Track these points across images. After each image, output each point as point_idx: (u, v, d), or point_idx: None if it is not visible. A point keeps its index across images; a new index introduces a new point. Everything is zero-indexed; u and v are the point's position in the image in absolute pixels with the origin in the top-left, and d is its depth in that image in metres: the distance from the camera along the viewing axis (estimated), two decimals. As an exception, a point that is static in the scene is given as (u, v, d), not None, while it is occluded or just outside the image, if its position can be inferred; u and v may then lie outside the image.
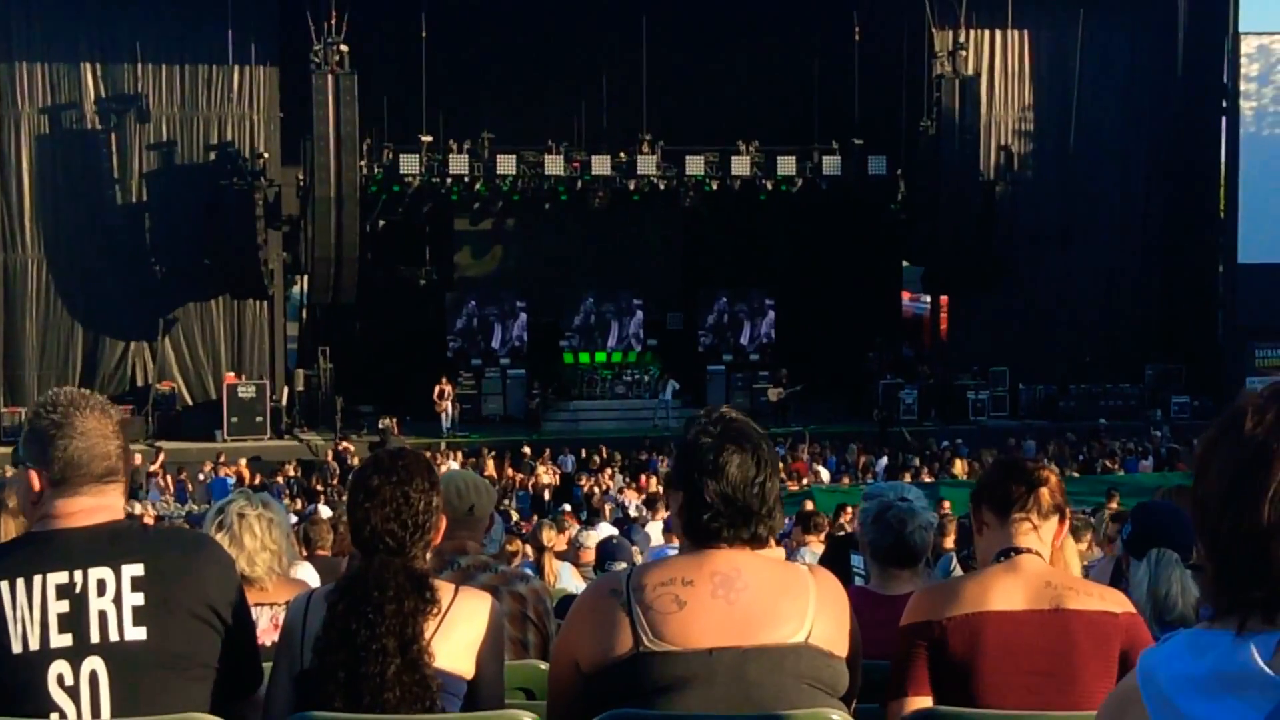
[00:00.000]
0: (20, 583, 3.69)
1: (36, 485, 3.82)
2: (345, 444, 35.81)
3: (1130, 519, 5.36)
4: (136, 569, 3.76)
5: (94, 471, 3.79)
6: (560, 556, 12.61)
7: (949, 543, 15.27)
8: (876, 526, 5.53)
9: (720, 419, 3.94)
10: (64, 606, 3.70)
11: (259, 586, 5.48)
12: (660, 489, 31.86)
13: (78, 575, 3.72)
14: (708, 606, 3.79)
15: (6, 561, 3.76)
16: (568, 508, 30.48)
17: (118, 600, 3.73)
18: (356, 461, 34.63)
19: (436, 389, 37.92)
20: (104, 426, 3.83)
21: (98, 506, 3.81)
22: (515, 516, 29.69)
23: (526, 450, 35.35)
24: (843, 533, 12.07)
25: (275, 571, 5.60)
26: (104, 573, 3.74)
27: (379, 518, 4.14)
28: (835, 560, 6.66)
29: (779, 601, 3.83)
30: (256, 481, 33.56)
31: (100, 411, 3.85)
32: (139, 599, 3.74)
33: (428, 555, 4.26)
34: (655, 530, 20.72)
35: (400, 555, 4.13)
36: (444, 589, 4.15)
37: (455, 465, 34.18)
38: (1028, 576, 4.31)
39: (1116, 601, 4.35)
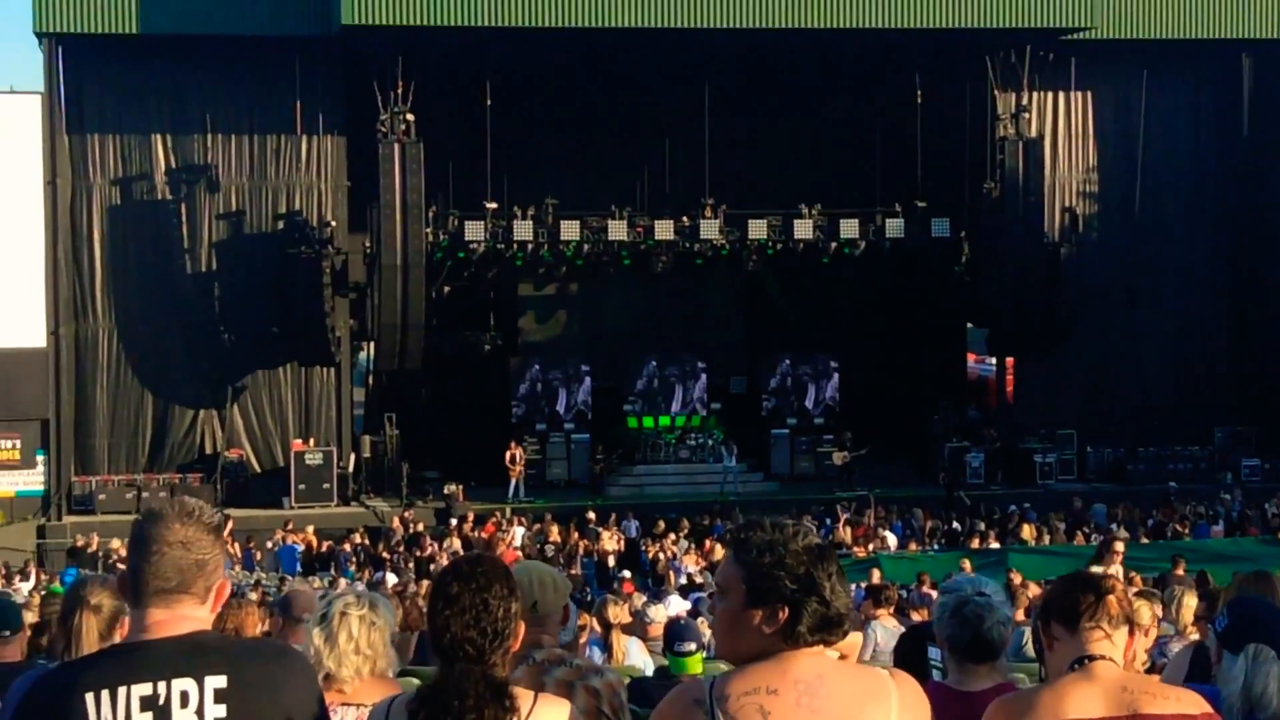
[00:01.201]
0: (105, 694, 3.74)
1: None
2: (409, 511, 35.93)
3: (1227, 612, 5.31)
4: (220, 681, 3.79)
5: (183, 584, 3.84)
6: (626, 630, 12.57)
7: (1020, 615, 15.17)
8: (954, 621, 5.51)
9: (794, 532, 3.97)
10: (148, 718, 3.74)
11: (337, 688, 5.46)
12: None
13: (161, 687, 3.76)
14: (793, 715, 3.81)
15: (93, 673, 3.81)
16: (628, 574, 30.48)
17: (200, 712, 3.77)
18: (421, 528, 34.82)
19: (508, 454, 38.03)
20: (197, 536, 3.87)
21: (185, 617, 3.85)
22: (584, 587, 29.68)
23: (592, 516, 35.36)
24: (919, 622, 11.98)
25: (363, 674, 5.56)
26: (187, 684, 3.77)
27: (459, 625, 4.16)
28: (912, 652, 6.61)
29: (863, 707, 3.84)
30: (324, 548, 33.76)
31: (195, 522, 3.89)
32: (221, 711, 3.78)
33: (507, 662, 4.28)
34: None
35: (480, 663, 4.15)
36: (523, 696, 4.17)
37: (520, 530, 34.28)
38: (1103, 683, 4.29)
39: (1194, 703, 4.33)
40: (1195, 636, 9.71)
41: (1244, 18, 38.72)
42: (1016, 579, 19.36)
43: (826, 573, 3.90)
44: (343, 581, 28.26)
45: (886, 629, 13.78)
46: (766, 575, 3.90)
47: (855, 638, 11.61)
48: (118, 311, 37.25)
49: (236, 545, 32.86)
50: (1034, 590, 18.70)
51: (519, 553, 32.02)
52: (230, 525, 33.58)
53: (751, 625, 3.91)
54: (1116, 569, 17.79)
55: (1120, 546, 18.37)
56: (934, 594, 20.54)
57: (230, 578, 27.82)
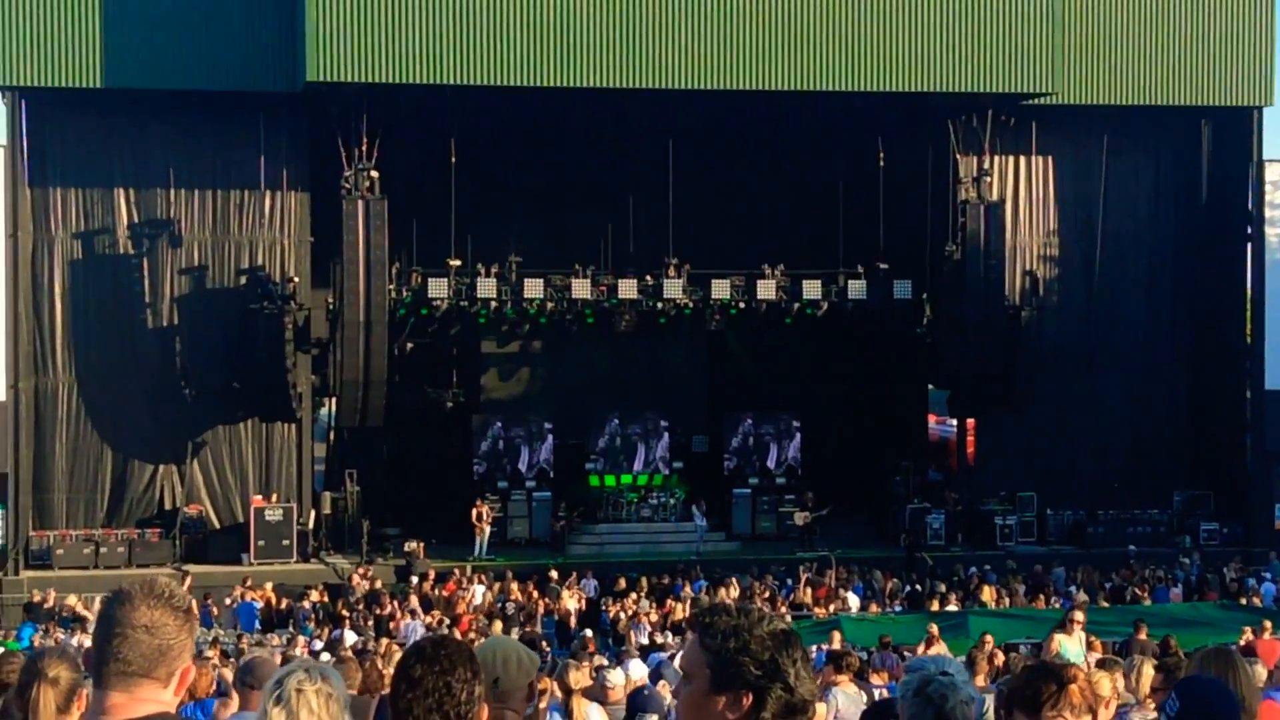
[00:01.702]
0: None
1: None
2: (369, 568, 35.76)
3: (1178, 695, 5.32)
4: None
5: (145, 668, 3.82)
6: (586, 694, 12.53)
7: (980, 680, 15.18)
8: (917, 700, 5.49)
9: (759, 617, 3.97)
10: None
11: None
12: (686, 616, 31.73)
13: None
14: None
15: None
16: (589, 633, 30.37)
17: None
18: (381, 585, 34.63)
19: (475, 511, 37.94)
20: (163, 620, 3.84)
21: (145, 700, 3.83)
22: (544, 645, 29.55)
23: (554, 574, 35.26)
24: (881, 699, 11.99)
25: None
26: None
27: (421, 709, 4.16)
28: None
29: None
30: (283, 606, 33.54)
31: (163, 605, 3.87)
32: None
33: (470, 744, 4.26)
34: (683, 661, 20.50)
35: (443, 745, 4.14)
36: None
37: (481, 589, 34.15)
38: None
39: None
40: (1153, 707, 9.73)
41: (1204, 85, 39.13)
42: (988, 643, 19.34)
43: (791, 659, 3.90)
44: (300, 640, 28.10)
45: (848, 695, 13.78)
46: (731, 661, 3.89)
47: (820, 712, 11.60)
48: (78, 365, 37.06)
49: (194, 602, 32.60)
50: (999, 658, 18.74)
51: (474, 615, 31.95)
52: (189, 582, 33.42)
53: (715, 711, 3.90)
54: (1078, 636, 17.84)
55: (1080, 616, 18.40)
56: (895, 656, 20.54)
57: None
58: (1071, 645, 17.43)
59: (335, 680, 5.72)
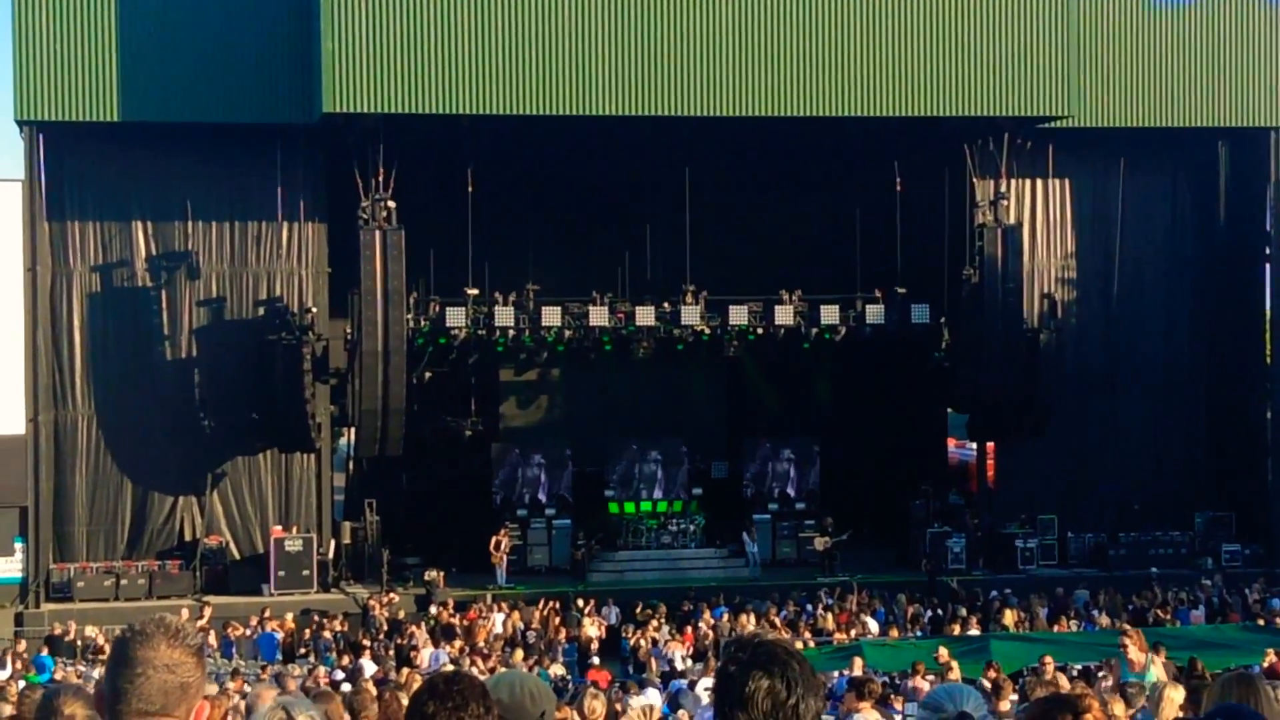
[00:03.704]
0: None
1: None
2: (391, 595, 35.78)
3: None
4: None
5: (166, 707, 3.81)
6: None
7: (1004, 705, 15.13)
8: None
9: (749, 643, 3.96)
10: None
11: None
12: (709, 639, 31.73)
13: None
14: None
15: None
16: (595, 661, 30.36)
17: None
18: (402, 615, 34.64)
19: (494, 540, 37.93)
20: (183, 659, 3.84)
21: None
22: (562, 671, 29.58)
23: (580, 602, 35.25)
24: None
25: None
26: None
27: (434, 745, 4.15)
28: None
29: None
30: (306, 635, 33.55)
31: (181, 644, 3.86)
32: None
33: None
34: (704, 689, 20.52)
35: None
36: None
37: (501, 617, 34.15)
38: None
39: None
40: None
41: (1220, 106, 39.07)
42: (993, 671, 19.22)
43: (771, 687, 3.85)
44: (321, 670, 28.08)
45: (869, 722, 13.73)
46: (715, 684, 3.89)
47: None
48: (97, 398, 37.16)
49: (214, 632, 32.64)
50: (1063, 681, 18.48)
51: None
52: (209, 613, 33.46)
53: None
54: (1159, 664, 17.16)
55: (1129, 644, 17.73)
56: (924, 685, 20.45)
57: (209, 665, 27.68)
58: (1157, 670, 17.01)
59: (312, 714, 5.74)
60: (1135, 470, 40.38)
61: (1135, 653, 16.40)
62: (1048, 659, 20.15)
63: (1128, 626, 18.68)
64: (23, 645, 31.66)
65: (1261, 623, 31.93)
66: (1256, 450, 40.88)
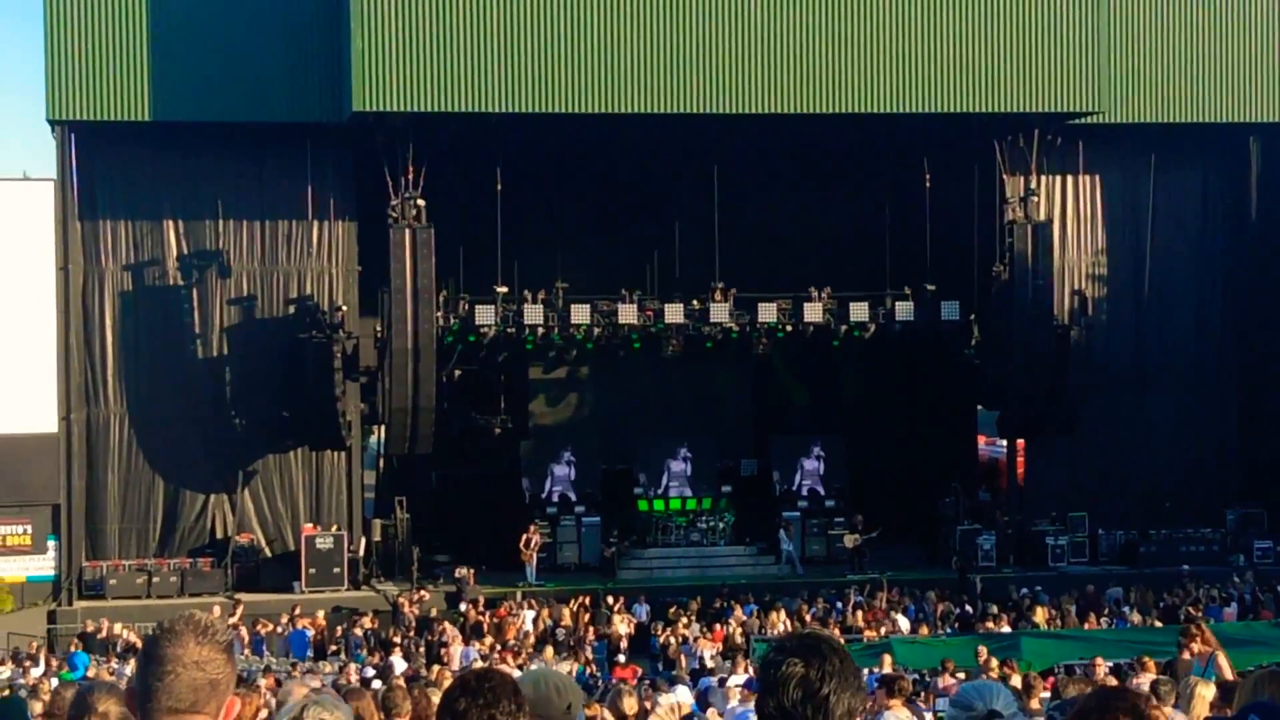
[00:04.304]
0: None
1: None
2: (422, 592, 35.86)
3: (1260, 717, 5.26)
4: None
5: (196, 704, 3.84)
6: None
7: (1035, 704, 15.11)
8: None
9: (797, 634, 3.96)
10: None
11: None
12: (738, 637, 31.72)
13: None
14: None
15: None
16: (621, 659, 30.39)
17: None
18: (433, 612, 34.72)
19: (524, 537, 37.96)
20: (212, 656, 3.86)
21: None
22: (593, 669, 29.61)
23: (610, 600, 35.28)
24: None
25: None
26: None
27: (466, 741, 4.17)
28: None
29: None
30: (339, 633, 33.65)
31: (210, 641, 3.88)
32: None
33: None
34: (735, 685, 20.50)
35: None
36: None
37: (531, 614, 34.20)
38: None
39: None
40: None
41: (1251, 101, 38.90)
42: (1100, 665, 19.04)
43: (805, 676, 3.86)
44: (352, 666, 28.18)
45: (899, 719, 13.71)
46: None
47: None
48: (129, 396, 37.33)
49: (245, 629, 32.77)
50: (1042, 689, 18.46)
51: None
52: (240, 610, 33.58)
53: None
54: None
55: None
56: (954, 682, 20.43)
57: (240, 663, 27.75)
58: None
59: (340, 712, 5.76)
60: (1166, 467, 40.26)
61: (1201, 647, 16.26)
62: (1099, 660, 20.08)
63: (1196, 624, 18.40)
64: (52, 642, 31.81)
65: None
66: (1287, 447, 40.74)
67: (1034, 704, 14.78)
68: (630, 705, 12.58)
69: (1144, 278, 40.66)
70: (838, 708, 3.86)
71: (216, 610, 31.49)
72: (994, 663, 22.27)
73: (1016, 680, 17.11)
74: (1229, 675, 15.20)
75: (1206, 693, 10.90)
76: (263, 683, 21.74)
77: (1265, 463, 40.78)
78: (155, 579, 35.95)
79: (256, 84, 35.77)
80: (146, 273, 37.53)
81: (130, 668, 26.21)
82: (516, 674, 5.38)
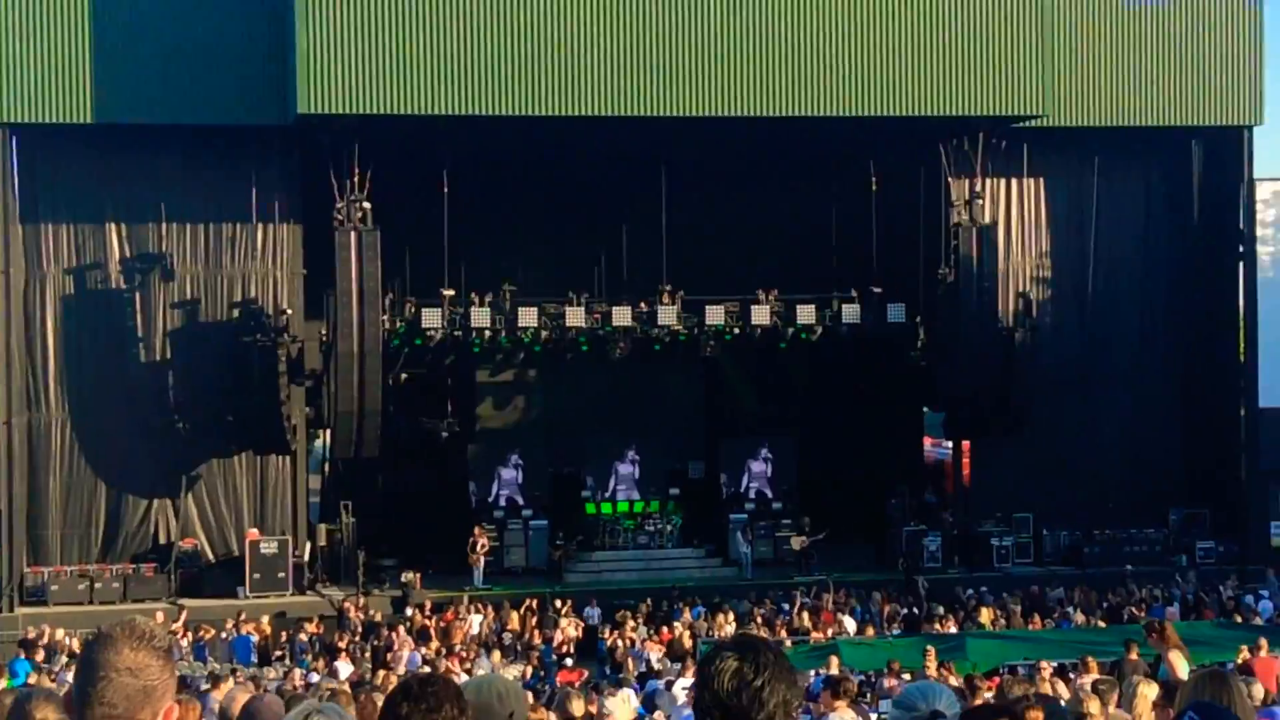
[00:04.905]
0: None
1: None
2: (366, 599, 35.71)
3: (1197, 714, 5.28)
4: None
5: (129, 710, 3.79)
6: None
7: (979, 703, 15.15)
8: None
9: (735, 635, 4.02)
10: None
11: None
12: (686, 640, 31.75)
13: None
14: None
15: None
16: (569, 663, 30.38)
17: None
18: (378, 617, 34.59)
19: (471, 541, 37.86)
20: (147, 662, 3.82)
21: None
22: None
23: (559, 603, 35.24)
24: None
25: None
26: None
27: (410, 747, 4.13)
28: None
29: None
30: (283, 638, 33.49)
31: (146, 647, 3.84)
32: None
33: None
34: (682, 688, 20.52)
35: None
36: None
37: (478, 619, 34.12)
38: None
39: None
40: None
41: (1194, 105, 39.24)
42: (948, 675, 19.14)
43: (738, 669, 3.92)
44: (297, 672, 28.05)
45: (845, 721, 13.74)
46: None
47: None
48: (71, 400, 37.02)
49: (188, 636, 32.55)
50: (1062, 688, 18.39)
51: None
52: (184, 616, 33.36)
53: None
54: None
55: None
56: (899, 684, 20.48)
57: (182, 669, 27.47)
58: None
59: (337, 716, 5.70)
60: (1110, 468, 40.52)
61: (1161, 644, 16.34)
62: (1045, 664, 20.16)
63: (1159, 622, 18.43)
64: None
65: (1236, 619, 32.08)
66: (1230, 447, 41.07)
67: (978, 704, 14.82)
68: (578, 708, 12.58)
69: (1088, 280, 40.91)
70: (770, 699, 3.91)
71: (159, 616, 31.27)
72: (937, 665, 22.39)
73: (954, 681, 17.19)
74: (1179, 675, 15.30)
75: (1149, 692, 10.97)
76: (206, 689, 21.59)
77: (1208, 464, 41.10)
78: (98, 585, 35.65)
79: (201, 86, 35.52)
80: (89, 276, 37.21)
81: (71, 674, 25.98)
82: (462, 679, 5.35)
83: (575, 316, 38.32)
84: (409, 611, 35.18)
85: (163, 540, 37.22)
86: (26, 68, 35.13)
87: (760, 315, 38.80)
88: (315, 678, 26.63)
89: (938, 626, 32.09)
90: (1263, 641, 22.76)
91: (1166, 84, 39.04)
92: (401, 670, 27.82)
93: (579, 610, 35.15)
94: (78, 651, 29.68)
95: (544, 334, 38.43)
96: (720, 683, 3.89)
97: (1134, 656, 21.64)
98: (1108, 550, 39.06)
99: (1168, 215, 41.60)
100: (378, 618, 34.74)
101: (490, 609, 35.28)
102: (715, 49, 35.21)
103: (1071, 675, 20.02)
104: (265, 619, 34.16)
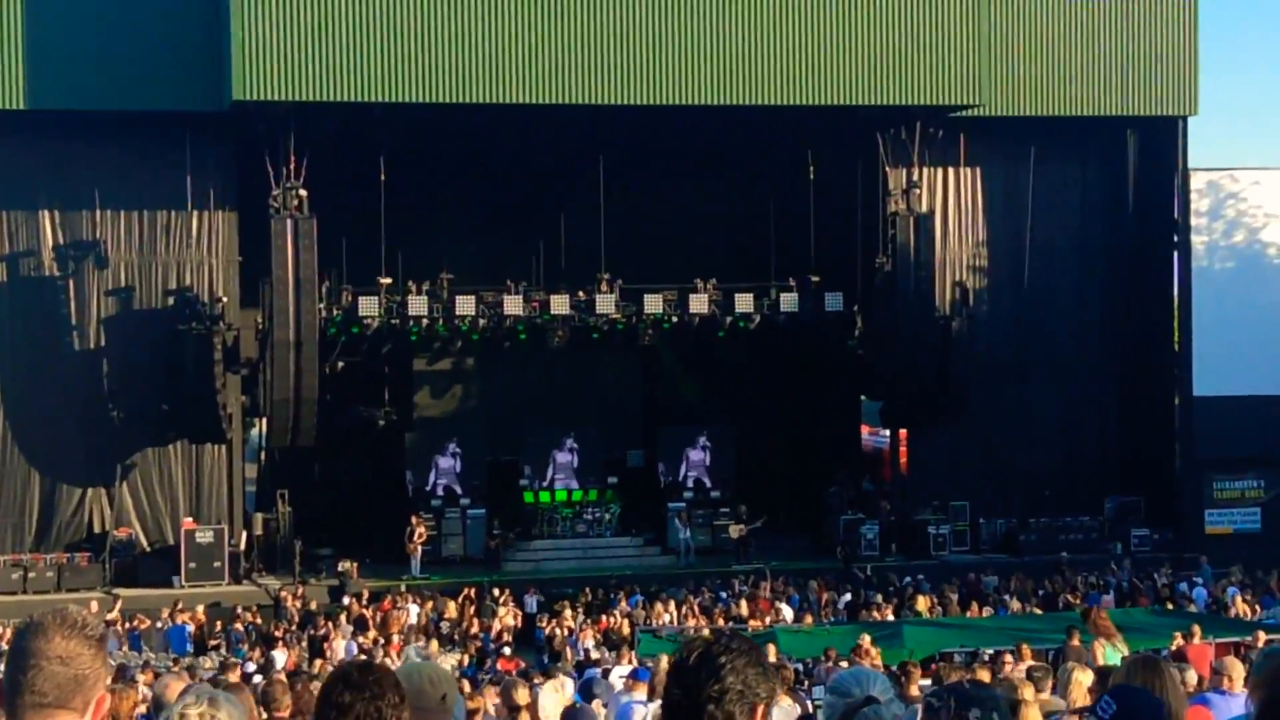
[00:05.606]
0: None
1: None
2: (302, 588, 35.54)
3: (1113, 699, 5.32)
4: None
5: (60, 699, 3.75)
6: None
7: (914, 690, 15.22)
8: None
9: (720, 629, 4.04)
10: None
11: None
12: (624, 629, 31.76)
13: None
14: None
15: None
16: (508, 651, 30.34)
17: None
18: (315, 606, 34.42)
19: (408, 530, 37.74)
20: (78, 651, 3.77)
21: None
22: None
23: (496, 592, 35.16)
24: None
25: None
26: None
27: (353, 735, 4.10)
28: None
29: None
30: (219, 627, 33.28)
31: (78, 635, 3.79)
32: None
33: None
34: (619, 676, 20.47)
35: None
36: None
37: (416, 609, 34.01)
38: None
39: None
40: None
41: (1129, 95, 39.53)
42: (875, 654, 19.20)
43: (704, 653, 3.96)
44: (233, 661, 27.85)
45: (782, 708, 13.76)
46: None
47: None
48: (3, 389, 36.66)
49: (124, 625, 32.30)
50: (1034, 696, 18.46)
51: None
52: (119, 605, 33.09)
53: None
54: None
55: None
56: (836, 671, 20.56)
57: (118, 658, 27.25)
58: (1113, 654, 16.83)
59: (229, 706, 5.66)
60: (1046, 456, 40.78)
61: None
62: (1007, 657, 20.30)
63: (1095, 609, 18.60)
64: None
65: (1170, 606, 32.37)
66: (1165, 436, 41.45)
67: (913, 690, 14.89)
68: (523, 696, 12.58)
69: (1024, 269, 41.15)
70: (728, 675, 3.94)
71: (94, 606, 31.02)
72: (875, 652, 22.48)
73: (878, 663, 17.22)
74: (1099, 662, 15.45)
75: (1084, 678, 11.06)
76: (141, 678, 21.45)
77: (1143, 452, 41.45)
78: (31, 574, 35.32)
79: (135, 72, 35.22)
80: (22, 263, 36.85)
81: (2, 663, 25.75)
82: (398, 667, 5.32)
83: (513, 305, 38.24)
84: (346, 600, 35.03)
85: (97, 529, 36.92)
86: (-43, 53, 34.71)
87: (698, 304, 38.84)
88: (251, 667, 26.46)
89: (875, 614, 32.21)
90: (1196, 628, 22.98)
91: (1102, 74, 39.30)
92: (339, 659, 27.71)
93: (518, 599, 35.10)
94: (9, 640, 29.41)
95: (481, 322, 38.32)
96: (686, 661, 3.95)
97: (1075, 643, 21.81)
98: (1044, 538, 39.33)
99: (1103, 205, 41.89)
100: (314, 607, 34.57)
101: (430, 599, 35.13)
102: (653, 38, 35.20)
103: (1008, 661, 20.13)
104: (201, 608, 33.93)
